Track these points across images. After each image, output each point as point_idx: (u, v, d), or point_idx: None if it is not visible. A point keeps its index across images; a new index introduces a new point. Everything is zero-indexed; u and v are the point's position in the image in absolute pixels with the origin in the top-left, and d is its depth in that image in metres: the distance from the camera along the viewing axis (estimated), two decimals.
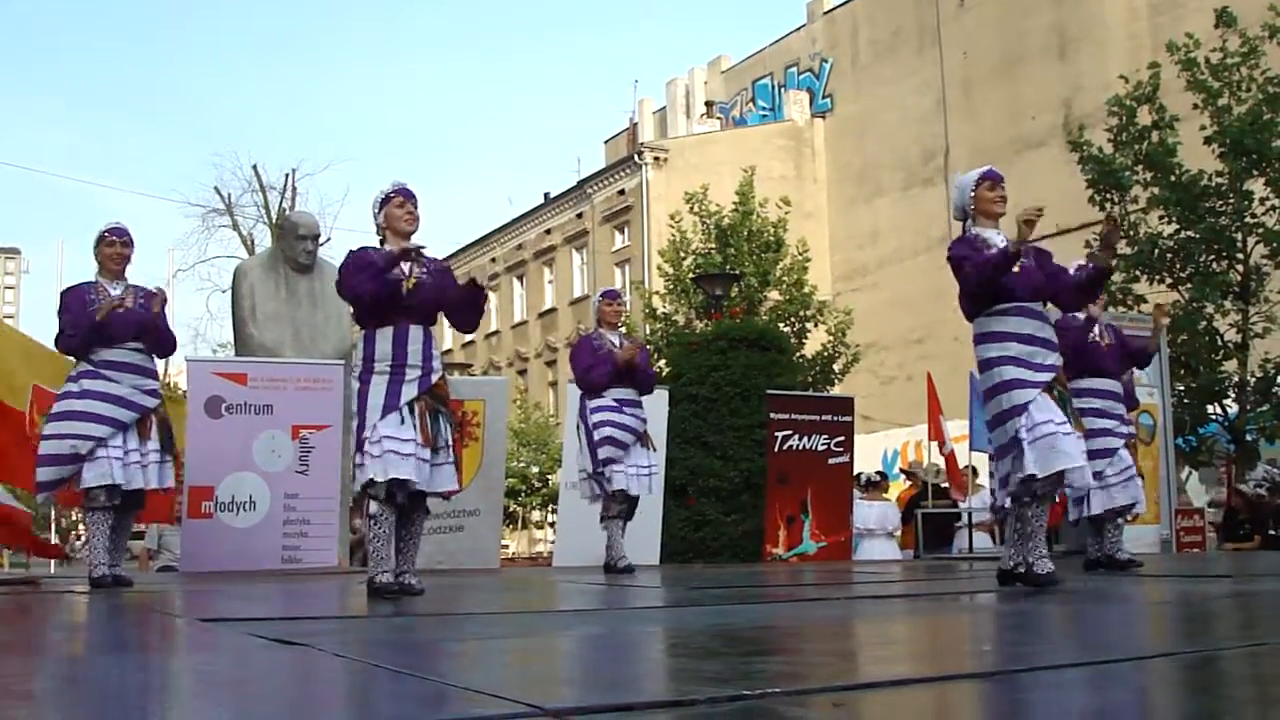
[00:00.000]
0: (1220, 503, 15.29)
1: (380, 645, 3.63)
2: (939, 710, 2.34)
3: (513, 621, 4.69)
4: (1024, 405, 5.40)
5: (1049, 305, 5.95)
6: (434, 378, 5.36)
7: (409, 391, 5.26)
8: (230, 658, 3.27)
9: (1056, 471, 5.37)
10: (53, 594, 6.28)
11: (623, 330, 8.68)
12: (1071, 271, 5.95)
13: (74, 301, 6.39)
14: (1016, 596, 5.19)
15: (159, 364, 6.89)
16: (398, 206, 5.49)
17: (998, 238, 5.66)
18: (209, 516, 8.44)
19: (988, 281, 5.49)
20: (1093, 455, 6.17)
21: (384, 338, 5.31)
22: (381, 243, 5.55)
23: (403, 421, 5.22)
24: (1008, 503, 5.62)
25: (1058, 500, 5.80)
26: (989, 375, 5.55)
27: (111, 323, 6.29)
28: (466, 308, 5.71)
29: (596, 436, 7.68)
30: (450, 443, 5.41)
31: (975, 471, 12.53)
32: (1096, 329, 7.47)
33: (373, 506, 5.31)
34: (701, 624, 4.13)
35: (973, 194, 5.74)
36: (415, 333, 5.34)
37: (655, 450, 8.07)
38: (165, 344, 6.75)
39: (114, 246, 6.50)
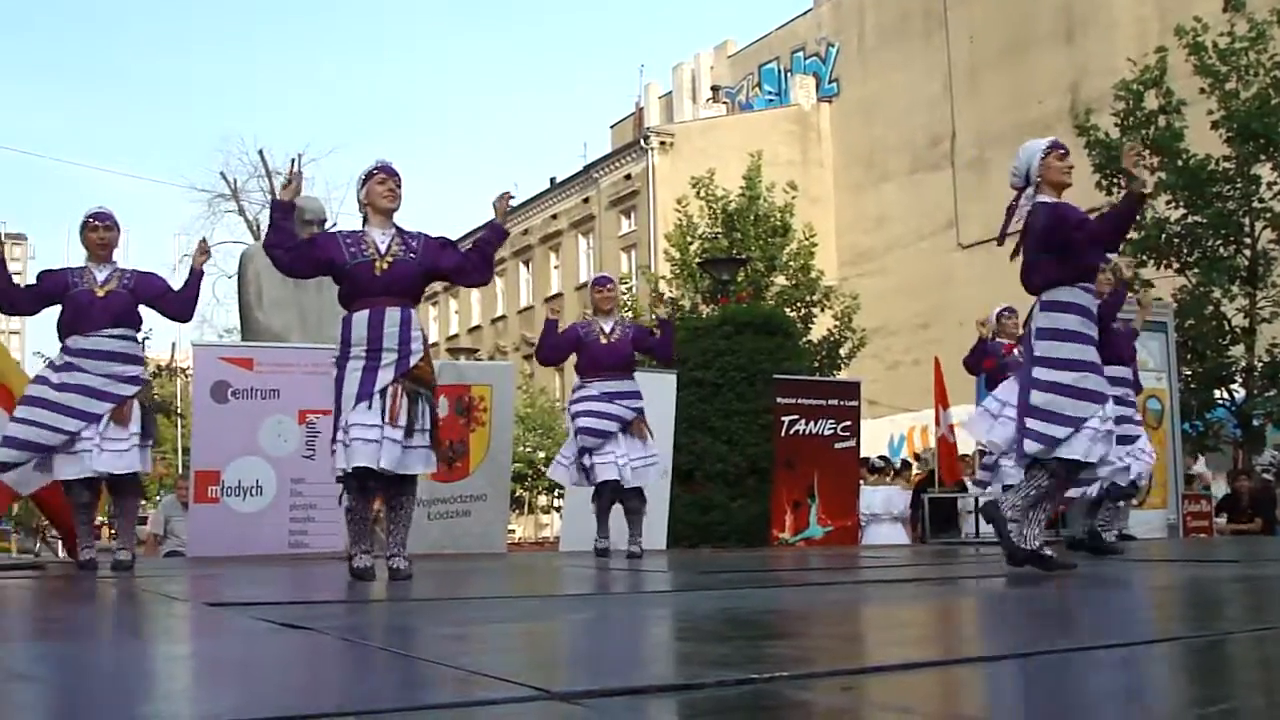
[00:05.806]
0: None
1: (386, 629, 3.64)
2: (947, 694, 2.33)
3: (519, 606, 4.68)
4: (1107, 396, 5.40)
5: None
6: (413, 360, 5.27)
7: (384, 376, 5.19)
8: (236, 641, 3.27)
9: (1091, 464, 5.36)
10: (59, 579, 6.29)
11: (627, 315, 8.67)
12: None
13: (49, 277, 6.35)
14: (1023, 580, 5.18)
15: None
16: (379, 183, 5.46)
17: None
18: (215, 501, 8.46)
19: (1124, 230, 5.65)
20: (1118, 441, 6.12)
21: (359, 322, 5.24)
22: (364, 220, 5.52)
23: (370, 407, 5.15)
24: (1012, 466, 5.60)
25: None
26: (1068, 346, 5.39)
27: (89, 310, 6.21)
28: (476, 260, 5.66)
29: (577, 425, 7.60)
30: (429, 426, 5.30)
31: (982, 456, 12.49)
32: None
33: (345, 495, 5.30)
34: (709, 608, 4.13)
35: (1041, 161, 5.56)
36: (392, 314, 5.25)
37: (653, 438, 7.83)
38: (185, 305, 6.65)
39: (96, 232, 6.39)
